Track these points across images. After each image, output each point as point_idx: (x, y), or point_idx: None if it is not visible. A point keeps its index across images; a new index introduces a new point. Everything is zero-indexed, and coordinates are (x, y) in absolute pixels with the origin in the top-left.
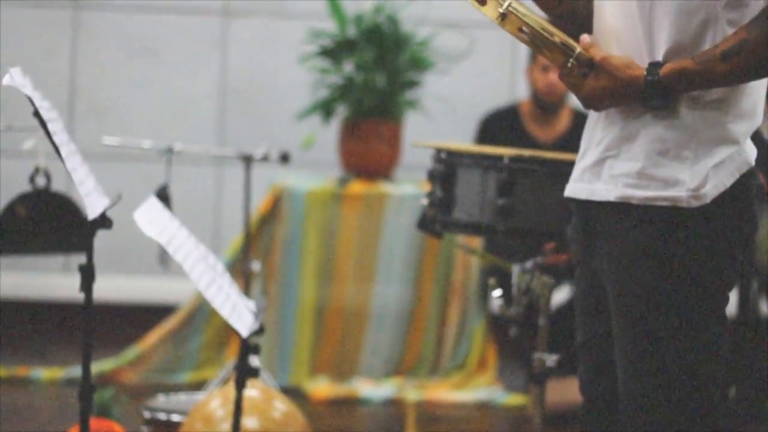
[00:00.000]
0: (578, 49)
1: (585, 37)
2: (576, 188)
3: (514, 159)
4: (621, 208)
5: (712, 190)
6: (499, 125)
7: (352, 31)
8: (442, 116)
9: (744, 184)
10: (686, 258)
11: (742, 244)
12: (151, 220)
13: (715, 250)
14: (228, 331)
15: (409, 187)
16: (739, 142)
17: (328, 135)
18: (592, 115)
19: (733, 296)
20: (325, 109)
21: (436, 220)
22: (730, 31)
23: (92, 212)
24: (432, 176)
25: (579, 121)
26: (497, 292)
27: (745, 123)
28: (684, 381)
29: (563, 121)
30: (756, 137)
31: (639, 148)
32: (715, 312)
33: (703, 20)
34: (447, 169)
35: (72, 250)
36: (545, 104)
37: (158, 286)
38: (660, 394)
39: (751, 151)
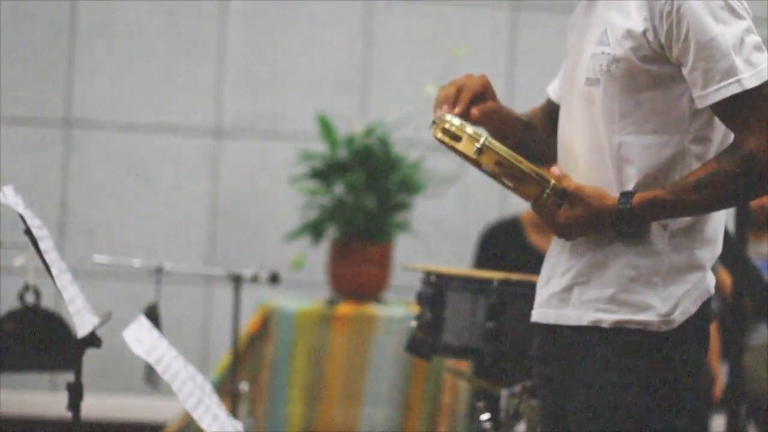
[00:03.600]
0: (552, 180)
1: (555, 169)
2: (543, 313)
3: (503, 282)
4: (591, 331)
5: (679, 317)
6: (501, 237)
7: (343, 153)
8: (433, 238)
9: (704, 312)
10: (651, 378)
11: (699, 368)
12: (140, 339)
13: (678, 372)
14: None
15: (398, 309)
16: (705, 267)
17: (317, 256)
18: (557, 244)
19: (722, 420)
20: (315, 230)
21: (425, 342)
22: (696, 165)
23: (81, 330)
24: (421, 299)
25: None
26: (486, 416)
27: (710, 249)
28: None
29: None
30: (745, 266)
31: (611, 275)
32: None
33: (672, 154)
34: (436, 292)
35: (60, 368)
36: None
37: (146, 405)
38: None
39: (711, 279)
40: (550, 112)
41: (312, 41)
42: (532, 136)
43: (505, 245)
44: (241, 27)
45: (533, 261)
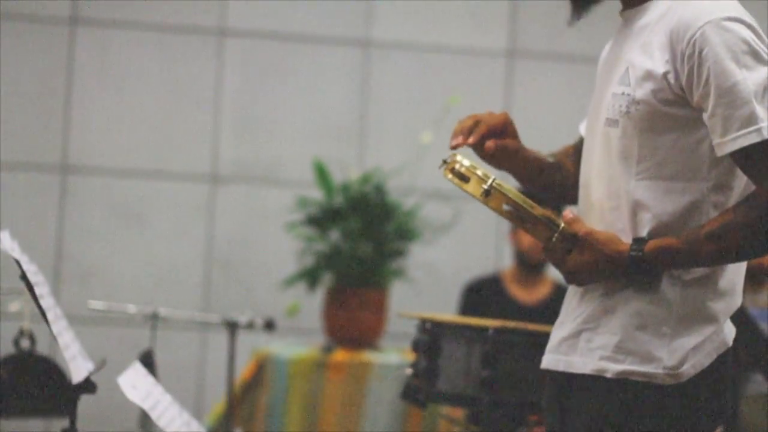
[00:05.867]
0: (562, 224)
1: (568, 213)
2: (552, 360)
3: (499, 330)
4: (596, 380)
5: (689, 370)
6: (483, 292)
7: (339, 200)
8: (428, 286)
9: (721, 365)
10: None
11: (713, 424)
12: (135, 385)
13: (687, 429)
14: None
15: (393, 357)
16: (718, 320)
17: (313, 303)
18: (573, 289)
19: None
20: (311, 276)
21: (420, 390)
22: (714, 214)
23: (76, 376)
24: (416, 346)
25: (563, 285)
26: None
27: (725, 301)
28: None
29: (547, 284)
30: (741, 316)
31: (618, 322)
32: None
33: (689, 202)
34: (431, 339)
35: (55, 414)
36: (531, 264)
37: None
38: None
39: (729, 332)
40: (582, 150)
41: (309, 89)
42: (560, 178)
43: (487, 298)
44: (238, 73)
45: (514, 313)
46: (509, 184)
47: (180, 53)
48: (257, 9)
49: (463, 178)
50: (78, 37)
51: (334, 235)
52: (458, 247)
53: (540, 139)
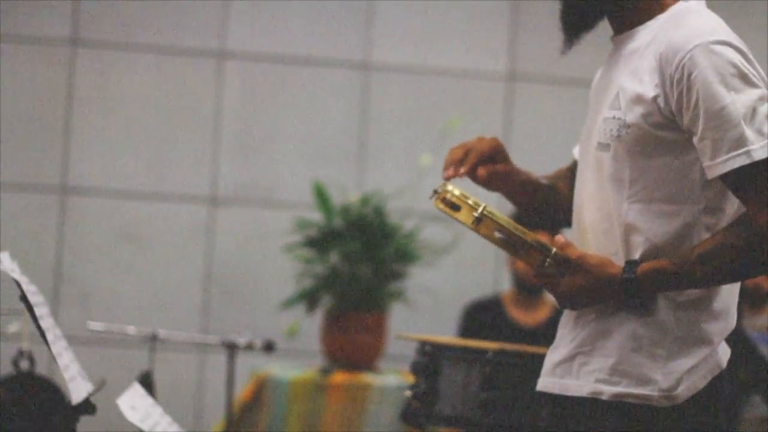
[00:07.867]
0: (554, 249)
1: (560, 238)
2: (548, 383)
3: (498, 353)
4: (592, 403)
5: (684, 392)
6: (482, 314)
7: (338, 222)
8: (427, 308)
9: (715, 388)
10: None
11: None
12: (135, 406)
13: None
14: None
15: (392, 379)
16: (713, 342)
17: (312, 324)
18: (567, 313)
19: None
20: (310, 298)
21: (419, 412)
22: (706, 236)
23: (76, 397)
24: (416, 368)
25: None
26: None
27: (720, 323)
28: None
29: (547, 306)
30: (740, 339)
31: (613, 344)
32: None
33: (682, 225)
34: (431, 361)
35: None
36: (529, 287)
37: None
38: None
39: (723, 354)
40: (575, 174)
41: (308, 110)
42: (553, 199)
43: (486, 320)
44: (238, 96)
45: (514, 336)
46: (502, 212)
47: (180, 75)
48: (257, 31)
49: (454, 206)
50: (78, 58)
51: (334, 257)
52: (458, 270)
53: (539, 161)
